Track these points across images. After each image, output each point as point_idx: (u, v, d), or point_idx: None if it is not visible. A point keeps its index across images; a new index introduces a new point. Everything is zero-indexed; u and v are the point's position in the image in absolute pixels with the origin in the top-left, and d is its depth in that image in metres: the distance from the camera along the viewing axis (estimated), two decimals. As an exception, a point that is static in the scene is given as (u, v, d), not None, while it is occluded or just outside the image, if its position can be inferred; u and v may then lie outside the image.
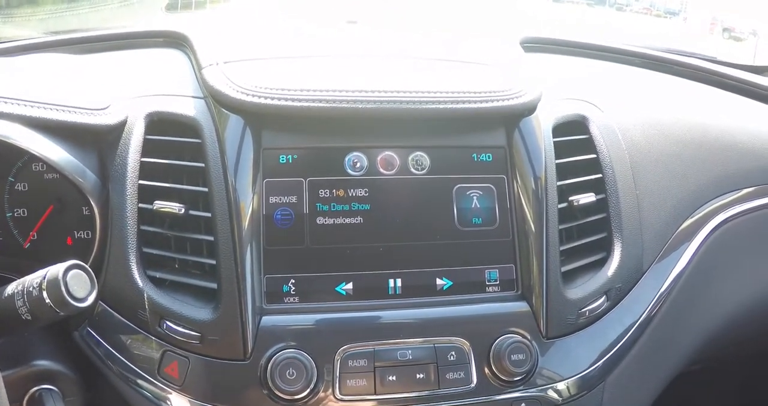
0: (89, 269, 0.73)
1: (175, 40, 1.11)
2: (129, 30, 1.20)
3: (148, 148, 0.88)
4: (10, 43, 1.14)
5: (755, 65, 1.52)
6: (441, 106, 0.90)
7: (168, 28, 1.13)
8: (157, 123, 0.90)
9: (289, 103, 0.86)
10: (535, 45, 1.28)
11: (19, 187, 0.92)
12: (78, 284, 0.71)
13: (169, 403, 0.84)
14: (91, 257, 0.86)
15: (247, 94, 0.86)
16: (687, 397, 1.51)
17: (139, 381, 0.84)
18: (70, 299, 0.70)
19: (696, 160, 1.09)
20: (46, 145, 0.83)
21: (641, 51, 1.38)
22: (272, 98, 0.86)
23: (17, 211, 0.92)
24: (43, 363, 0.82)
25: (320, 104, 0.87)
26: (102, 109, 0.88)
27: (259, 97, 0.86)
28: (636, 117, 1.09)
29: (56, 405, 0.80)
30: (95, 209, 0.86)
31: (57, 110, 0.85)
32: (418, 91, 0.90)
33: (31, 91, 0.86)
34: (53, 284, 0.70)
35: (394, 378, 0.85)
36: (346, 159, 0.91)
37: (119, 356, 0.85)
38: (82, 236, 0.91)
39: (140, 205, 0.86)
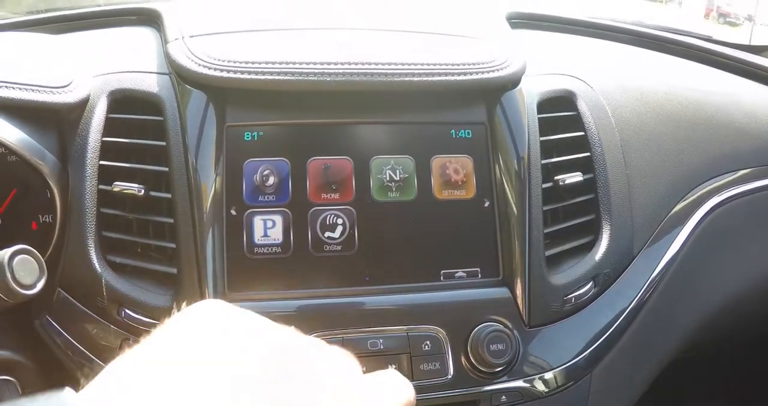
0: (38, 254, 0.70)
1: (149, 17, 1.07)
2: (102, 8, 1.17)
3: (110, 127, 0.85)
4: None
5: (752, 45, 1.47)
6: (416, 78, 0.85)
7: (141, 5, 1.10)
8: (121, 101, 0.87)
9: (253, 76, 0.82)
10: (522, 21, 1.24)
11: None
12: (25, 270, 0.68)
13: None
14: (53, 243, 0.83)
15: (209, 68, 0.83)
16: (678, 386, 1.49)
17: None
18: (16, 287, 0.67)
19: (690, 140, 1.06)
20: (2, 126, 0.80)
21: (633, 28, 1.34)
22: (235, 72, 0.82)
23: None
24: (1, 353, 0.79)
25: (286, 78, 0.83)
26: (62, 86, 0.85)
27: (221, 70, 0.82)
28: (627, 94, 1.05)
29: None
30: (56, 192, 0.83)
31: (14, 89, 0.81)
32: (391, 63, 0.86)
33: None
34: None
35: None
36: None
37: (79, 346, 0.82)
38: (47, 220, 0.88)
39: (100, 186, 0.83)
